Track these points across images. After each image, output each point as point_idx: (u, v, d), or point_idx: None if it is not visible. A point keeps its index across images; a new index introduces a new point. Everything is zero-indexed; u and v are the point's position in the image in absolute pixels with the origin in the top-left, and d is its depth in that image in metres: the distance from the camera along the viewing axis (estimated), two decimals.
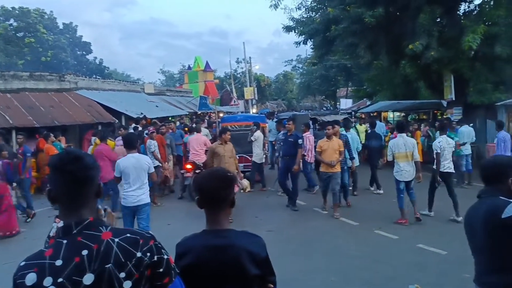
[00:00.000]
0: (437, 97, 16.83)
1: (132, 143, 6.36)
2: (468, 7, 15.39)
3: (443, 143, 8.30)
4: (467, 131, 11.59)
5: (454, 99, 14.92)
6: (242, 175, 9.67)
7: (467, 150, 11.34)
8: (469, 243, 2.68)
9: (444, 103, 16.15)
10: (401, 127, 8.96)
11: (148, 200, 6.27)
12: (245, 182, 9.41)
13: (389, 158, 8.41)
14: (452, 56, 13.78)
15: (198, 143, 10.68)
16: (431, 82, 17.16)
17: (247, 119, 13.10)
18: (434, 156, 8.38)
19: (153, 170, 6.36)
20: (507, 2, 13.57)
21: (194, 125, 13.28)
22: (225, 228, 2.13)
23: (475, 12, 14.76)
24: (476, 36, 12.09)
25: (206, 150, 10.48)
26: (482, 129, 15.09)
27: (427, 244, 6.63)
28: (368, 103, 28.40)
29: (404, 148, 8.08)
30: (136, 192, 6.07)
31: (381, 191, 10.65)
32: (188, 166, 10.46)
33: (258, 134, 11.31)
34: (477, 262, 2.65)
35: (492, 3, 14.21)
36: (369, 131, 12.18)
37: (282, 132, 11.15)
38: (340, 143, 8.83)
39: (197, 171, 9.98)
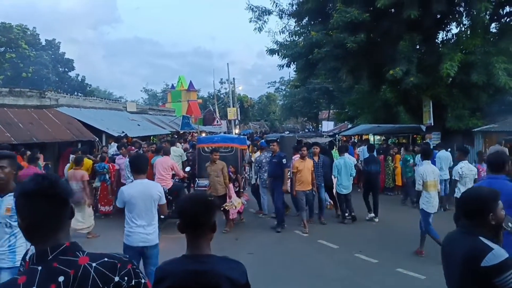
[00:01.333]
0: (417, 121, 17.18)
1: (141, 166, 5.08)
2: (446, 35, 15.94)
3: (465, 170, 7.88)
4: (445, 156, 11.62)
5: (432, 124, 15.24)
6: (232, 193, 9.52)
7: (445, 174, 11.33)
8: (444, 274, 2.66)
9: (423, 127, 16.48)
10: (427, 153, 8.18)
11: (157, 240, 4.96)
12: (237, 200, 9.33)
13: (419, 188, 7.52)
14: (431, 82, 14.15)
15: (164, 167, 9.58)
16: (410, 107, 17.53)
17: (225, 140, 12.18)
18: (453, 181, 7.97)
19: (164, 201, 5.07)
20: (483, 32, 14.08)
21: (164, 144, 12.94)
22: (205, 254, 2.11)
23: (453, 40, 15.26)
24: (454, 64, 12.46)
25: (173, 175, 9.98)
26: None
27: (406, 268, 6.65)
28: (349, 126, 28.77)
29: (432, 176, 7.50)
30: (145, 230, 4.80)
31: (376, 219, 10.13)
32: None
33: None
34: None
35: (468, 32, 14.73)
36: (367, 156, 11.38)
37: (264, 154, 11.06)
38: (312, 163, 9.66)
39: None
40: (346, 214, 10.04)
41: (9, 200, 3.50)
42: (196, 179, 11.47)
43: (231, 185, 9.60)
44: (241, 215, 10.10)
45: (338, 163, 10.05)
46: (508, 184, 4.17)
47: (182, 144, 16.87)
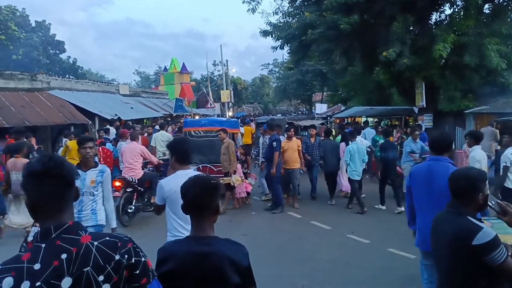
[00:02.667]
0: (409, 103, 17.24)
1: (185, 154, 3.95)
2: (440, 16, 15.88)
3: None
4: None
5: (425, 106, 15.31)
6: (240, 173, 9.64)
7: None
8: (433, 253, 2.74)
9: (416, 109, 16.55)
10: (478, 137, 7.06)
11: None
12: (235, 177, 9.42)
13: None
14: (424, 64, 14.15)
15: (134, 154, 8.55)
16: (403, 89, 17.57)
17: (212, 124, 11.42)
18: (502, 169, 7.00)
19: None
20: (477, 13, 14.05)
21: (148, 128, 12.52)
22: (209, 235, 2.14)
23: (446, 22, 15.22)
24: (447, 45, 12.47)
25: (147, 162, 9.25)
26: (452, 135, 15.53)
27: (398, 248, 6.77)
28: (343, 108, 28.81)
29: (484, 163, 6.61)
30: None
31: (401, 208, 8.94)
32: (117, 184, 8.10)
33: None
34: (439, 275, 2.71)
35: (462, 13, 14.69)
36: (383, 141, 10.53)
37: (266, 137, 10.94)
38: (299, 143, 10.00)
39: (128, 190, 8.34)
40: (354, 199, 9.70)
41: (92, 174, 4.55)
42: None
43: (239, 166, 9.82)
44: (249, 196, 10.23)
45: (352, 148, 9.61)
46: (450, 167, 3.71)
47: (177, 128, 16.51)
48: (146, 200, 8.87)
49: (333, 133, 14.24)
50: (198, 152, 10.31)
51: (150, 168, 9.48)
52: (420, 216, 3.98)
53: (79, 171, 4.50)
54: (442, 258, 2.61)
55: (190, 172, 3.75)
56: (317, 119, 18.81)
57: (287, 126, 11.08)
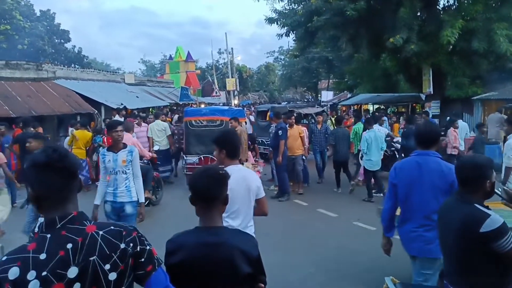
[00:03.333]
0: (416, 90, 17.11)
1: (237, 150, 3.58)
2: (448, 2, 15.66)
3: None
4: (461, 126, 10.76)
5: (432, 92, 15.18)
6: (247, 158, 9.63)
7: (461, 146, 10.59)
8: (440, 241, 2.73)
9: (423, 96, 16.43)
10: None
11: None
12: (248, 165, 9.36)
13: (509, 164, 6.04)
14: (431, 50, 14.02)
15: None
16: (410, 75, 17.42)
17: (213, 113, 10.98)
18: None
19: (264, 194, 3.61)
20: None
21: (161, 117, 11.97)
22: (218, 226, 2.14)
23: (454, 7, 15.00)
24: (455, 31, 12.33)
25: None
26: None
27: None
28: (349, 95, 28.66)
29: None
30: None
31: None
32: None
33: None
34: (446, 261, 2.70)
35: None
36: (407, 129, 10.21)
37: (273, 125, 10.74)
38: (301, 130, 10.06)
39: None
40: (374, 191, 9.34)
41: (122, 154, 5.15)
42: (184, 155, 10.69)
43: (250, 153, 9.94)
44: None
45: (368, 137, 9.17)
46: (442, 163, 3.43)
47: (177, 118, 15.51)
48: None
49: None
50: (199, 143, 10.17)
51: (145, 161, 8.89)
52: (407, 217, 3.60)
53: (111, 153, 5.16)
54: (449, 246, 2.60)
55: (241, 167, 3.58)
56: (316, 107, 18.69)
57: (286, 113, 10.99)
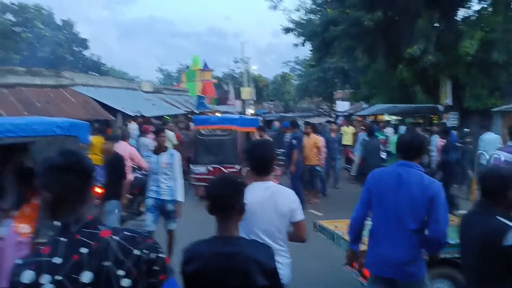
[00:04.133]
0: (433, 101, 16.89)
1: (266, 164, 3.07)
2: (467, 12, 15.50)
3: None
4: (490, 139, 9.94)
5: (450, 104, 14.98)
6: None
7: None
8: (461, 253, 2.66)
9: (441, 107, 16.20)
10: None
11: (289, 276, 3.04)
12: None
13: None
14: (449, 61, 13.86)
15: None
16: (427, 86, 17.22)
17: (223, 122, 10.60)
18: None
19: (301, 217, 3.02)
20: (505, 9, 13.65)
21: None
22: (235, 236, 2.10)
23: (474, 18, 14.84)
24: (474, 42, 12.18)
25: (134, 168, 8.11)
26: (477, 134, 15.16)
27: None
28: (365, 106, 28.47)
29: None
30: None
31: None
32: (97, 190, 6.28)
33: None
34: (467, 274, 2.63)
35: (490, 9, 14.29)
36: (447, 142, 9.38)
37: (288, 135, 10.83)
38: (317, 139, 9.99)
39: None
40: None
41: (164, 157, 5.90)
42: (191, 165, 10.23)
43: None
44: None
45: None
46: (425, 178, 3.10)
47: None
48: (136, 207, 8.01)
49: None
50: (208, 152, 9.95)
51: (144, 172, 7.96)
52: (380, 230, 3.20)
53: (155, 155, 6.00)
54: (471, 259, 2.53)
55: (271, 185, 3.00)
56: (321, 117, 18.70)
57: (292, 123, 10.83)
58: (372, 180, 3.31)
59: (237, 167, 9.63)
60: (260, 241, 2.69)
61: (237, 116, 11.72)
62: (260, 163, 3.02)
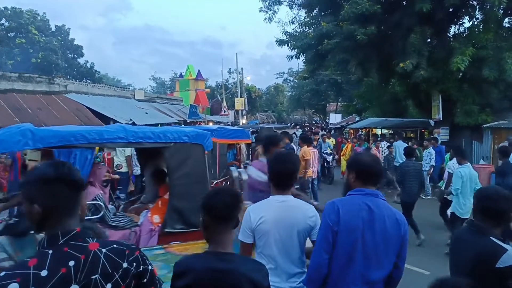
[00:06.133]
0: (425, 116, 17.04)
1: (286, 178, 2.87)
2: (458, 29, 15.73)
3: None
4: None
5: (441, 119, 15.12)
6: None
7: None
8: (452, 273, 2.62)
9: (432, 122, 16.35)
10: None
11: None
12: None
13: None
14: (441, 77, 14.01)
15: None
16: (419, 101, 17.38)
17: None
18: None
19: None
20: (496, 26, 13.88)
21: None
22: (228, 251, 2.07)
23: (465, 34, 15.06)
24: (465, 58, 12.32)
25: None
26: (468, 150, 15.30)
27: (411, 263, 6.63)
28: (357, 119, 28.64)
29: None
30: (284, 284, 2.73)
31: None
32: None
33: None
34: None
35: (481, 26, 14.52)
36: (502, 164, 7.88)
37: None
38: (305, 152, 9.81)
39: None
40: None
41: None
42: None
43: None
44: None
45: (464, 173, 7.07)
46: (393, 209, 2.61)
47: None
48: None
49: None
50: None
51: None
52: (341, 278, 2.56)
53: None
54: (461, 273, 2.51)
55: (290, 199, 2.81)
56: (291, 128, 19.08)
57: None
58: (335, 217, 2.53)
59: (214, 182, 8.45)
60: (274, 262, 2.68)
61: (215, 126, 10.77)
62: (281, 176, 2.81)
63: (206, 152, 4.72)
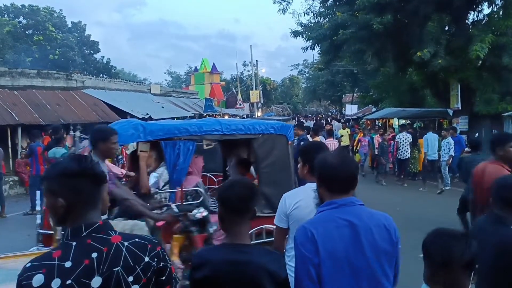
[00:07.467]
0: (443, 105, 16.76)
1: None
2: (477, 16, 15.33)
3: None
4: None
5: (460, 108, 14.86)
6: None
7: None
8: None
9: (450, 112, 16.09)
10: None
11: None
12: None
13: None
14: (459, 65, 13.74)
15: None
16: (437, 90, 17.10)
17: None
18: None
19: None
20: None
21: None
22: (246, 243, 2.07)
23: (484, 21, 14.70)
24: (484, 46, 12.05)
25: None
26: (488, 139, 15.01)
27: None
28: (374, 109, 28.34)
29: None
30: None
31: None
32: None
33: None
34: (479, 285, 2.58)
35: (501, 13, 14.17)
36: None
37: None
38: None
39: None
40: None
41: None
42: None
43: None
44: None
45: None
46: (377, 214, 2.14)
47: None
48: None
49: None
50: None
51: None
52: None
53: None
54: (484, 271, 2.48)
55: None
56: (293, 120, 19.20)
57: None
58: (312, 245, 1.99)
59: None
60: None
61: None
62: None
63: (289, 142, 5.14)
